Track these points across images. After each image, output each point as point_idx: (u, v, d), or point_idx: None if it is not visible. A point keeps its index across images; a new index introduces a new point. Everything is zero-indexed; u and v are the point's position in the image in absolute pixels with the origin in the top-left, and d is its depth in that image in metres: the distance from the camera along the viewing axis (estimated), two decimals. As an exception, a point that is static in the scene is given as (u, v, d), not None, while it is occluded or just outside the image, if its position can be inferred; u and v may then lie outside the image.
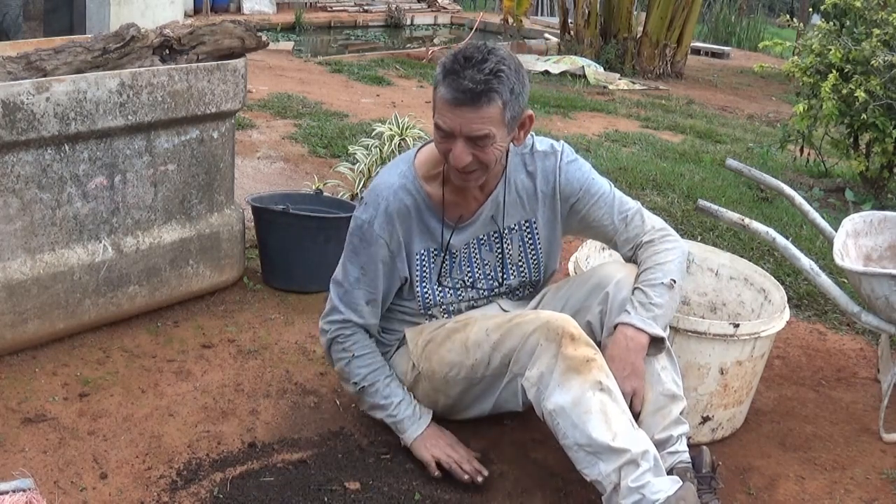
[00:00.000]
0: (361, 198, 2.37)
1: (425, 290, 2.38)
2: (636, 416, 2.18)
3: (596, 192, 2.36)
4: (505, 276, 2.42)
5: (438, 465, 2.31)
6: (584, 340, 2.15)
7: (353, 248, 2.33)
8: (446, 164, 2.19)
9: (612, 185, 2.40)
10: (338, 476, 2.29)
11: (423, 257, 2.35)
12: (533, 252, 2.42)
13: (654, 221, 2.38)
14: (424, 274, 2.36)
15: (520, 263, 2.42)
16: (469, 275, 2.40)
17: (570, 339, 2.13)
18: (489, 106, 2.06)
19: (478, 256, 2.39)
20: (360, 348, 2.38)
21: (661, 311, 2.23)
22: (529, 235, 2.40)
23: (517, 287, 2.46)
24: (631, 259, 2.39)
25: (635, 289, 2.27)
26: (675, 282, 2.27)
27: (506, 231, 2.37)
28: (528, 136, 2.35)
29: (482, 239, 2.38)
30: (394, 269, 2.34)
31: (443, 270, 2.37)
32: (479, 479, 2.29)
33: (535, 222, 2.39)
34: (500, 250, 2.39)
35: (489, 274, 2.41)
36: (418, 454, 2.34)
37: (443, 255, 2.35)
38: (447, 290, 2.39)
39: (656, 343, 2.23)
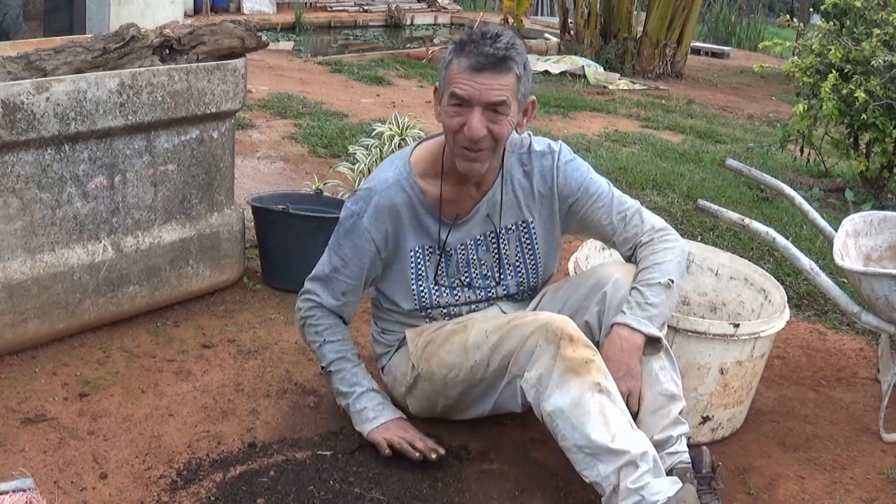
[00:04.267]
0: (356, 191, 2.39)
1: (422, 288, 2.37)
2: (633, 416, 2.18)
3: (595, 192, 2.36)
4: (502, 276, 2.42)
5: (391, 446, 2.32)
6: (583, 342, 2.15)
7: (339, 239, 2.35)
8: (453, 146, 2.20)
9: (611, 185, 2.40)
10: (338, 476, 2.29)
11: (417, 254, 2.35)
12: (531, 253, 2.41)
13: (653, 221, 2.38)
14: (420, 272, 2.36)
15: (517, 265, 2.42)
16: (466, 274, 2.39)
17: (569, 341, 2.13)
18: (508, 73, 2.12)
19: (475, 256, 2.38)
20: (331, 334, 2.40)
21: (658, 311, 2.23)
22: (527, 236, 2.40)
23: (516, 289, 2.45)
24: (630, 259, 2.38)
25: (632, 289, 2.27)
26: (672, 281, 2.26)
27: (502, 231, 2.37)
28: (526, 135, 2.35)
29: (479, 239, 2.37)
30: (377, 265, 2.35)
31: (439, 269, 2.37)
32: (433, 456, 2.30)
33: (531, 223, 2.39)
34: (496, 251, 2.39)
35: (486, 274, 2.41)
36: (372, 439, 2.34)
37: (439, 252, 2.35)
38: (444, 289, 2.39)
39: (653, 343, 2.22)
